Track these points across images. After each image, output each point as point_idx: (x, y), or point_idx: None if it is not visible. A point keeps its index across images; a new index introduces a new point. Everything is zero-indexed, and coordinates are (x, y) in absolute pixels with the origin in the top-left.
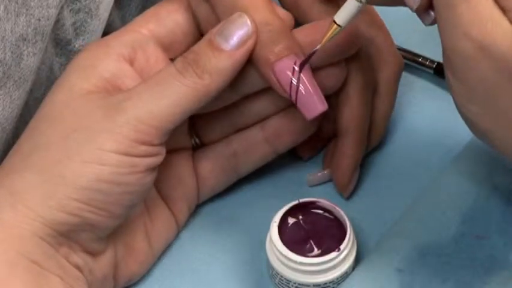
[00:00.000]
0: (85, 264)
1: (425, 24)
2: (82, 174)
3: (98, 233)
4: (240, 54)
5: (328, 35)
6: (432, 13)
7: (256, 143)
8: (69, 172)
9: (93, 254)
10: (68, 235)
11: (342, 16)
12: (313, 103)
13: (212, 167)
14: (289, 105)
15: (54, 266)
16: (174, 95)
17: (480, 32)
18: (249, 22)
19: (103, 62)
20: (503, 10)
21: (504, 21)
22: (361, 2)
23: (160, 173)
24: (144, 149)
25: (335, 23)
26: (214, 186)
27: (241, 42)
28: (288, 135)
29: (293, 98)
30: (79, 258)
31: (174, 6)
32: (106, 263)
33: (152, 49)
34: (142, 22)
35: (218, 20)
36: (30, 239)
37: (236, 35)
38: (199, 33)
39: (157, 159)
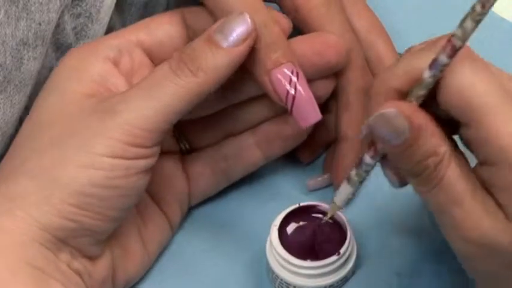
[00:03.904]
0: (85, 269)
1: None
2: (75, 178)
3: (96, 237)
4: (238, 52)
5: (330, 212)
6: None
7: (247, 148)
8: (63, 177)
9: (92, 257)
10: (67, 241)
11: (340, 199)
12: (308, 112)
13: (202, 170)
14: (279, 112)
15: (55, 272)
16: (166, 96)
17: (477, 233)
18: (249, 20)
19: (91, 64)
20: (499, 205)
21: (500, 215)
22: (354, 186)
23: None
24: (137, 151)
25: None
26: (205, 189)
27: (240, 40)
28: (278, 142)
29: (289, 106)
30: (79, 264)
31: (166, 18)
32: (104, 266)
33: (138, 55)
34: (133, 30)
35: None
36: (31, 245)
37: (235, 32)
38: None
39: (151, 161)
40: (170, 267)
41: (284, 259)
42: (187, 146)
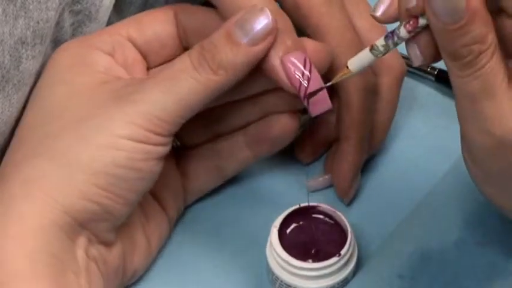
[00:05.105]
0: (100, 255)
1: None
2: (98, 158)
3: (113, 221)
4: (259, 51)
5: (339, 75)
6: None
7: (237, 147)
8: (85, 157)
9: (107, 244)
10: (86, 225)
11: (355, 64)
12: (320, 101)
13: (196, 167)
14: (268, 113)
15: (71, 261)
16: (185, 91)
17: (502, 129)
18: (270, 16)
19: (92, 58)
20: None
21: None
22: (376, 56)
23: None
24: (156, 138)
25: (347, 67)
26: (200, 186)
27: (261, 38)
28: (266, 142)
29: (302, 93)
30: (96, 250)
31: (158, 16)
32: (118, 254)
33: (130, 51)
34: (123, 26)
35: (207, 33)
36: (50, 230)
37: (256, 29)
38: (180, 46)
39: (167, 148)
40: (169, 268)
41: (284, 260)
42: (178, 143)
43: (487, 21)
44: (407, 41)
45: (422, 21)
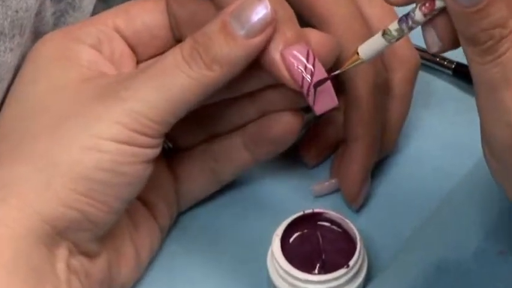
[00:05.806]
0: (82, 267)
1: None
2: (79, 161)
3: (96, 230)
4: (257, 43)
5: (348, 63)
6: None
7: (234, 149)
8: (65, 159)
9: (90, 255)
10: (66, 234)
11: (366, 51)
12: (325, 97)
13: (189, 170)
14: (267, 112)
15: (50, 274)
16: (177, 88)
17: None
18: (269, 6)
19: (75, 52)
20: None
21: None
22: (389, 42)
23: None
24: (143, 139)
25: (357, 54)
26: (194, 190)
27: (259, 30)
28: (266, 143)
29: (305, 90)
30: (77, 261)
31: (148, 6)
32: (102, 265)
33: (117, 42)
34: (110, 16)
35: (201, 24)
36: (26, 240)
37: (254, 20)
38: (172, 37)
39: (157, 151)
40: (160, 281)
41: (287, 272)
42: (169, 145)
43: (509, 2)
44: (424, 25)
45: (439, 3)
